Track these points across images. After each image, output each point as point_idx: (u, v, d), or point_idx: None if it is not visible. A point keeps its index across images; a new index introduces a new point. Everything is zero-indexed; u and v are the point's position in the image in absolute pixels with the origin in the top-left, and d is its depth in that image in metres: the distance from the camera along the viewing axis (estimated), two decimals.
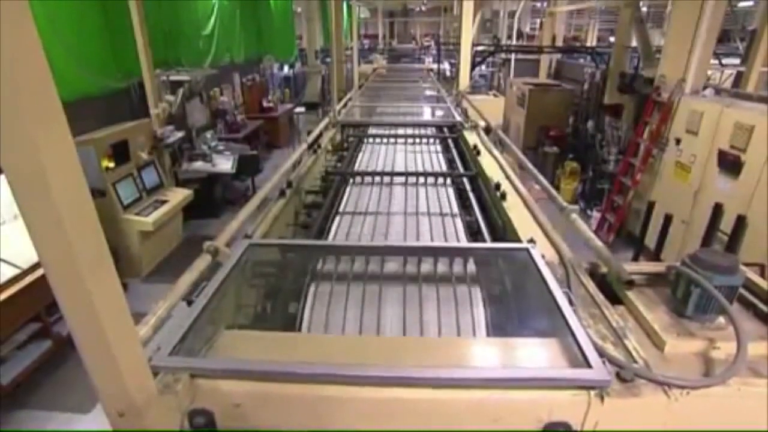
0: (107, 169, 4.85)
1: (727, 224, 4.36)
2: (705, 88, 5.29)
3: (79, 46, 5.08)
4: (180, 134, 6.24)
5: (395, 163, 2.94)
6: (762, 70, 6.27)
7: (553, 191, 1.96)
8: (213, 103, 8.68)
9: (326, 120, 3.62)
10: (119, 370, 0.84)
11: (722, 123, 4.48)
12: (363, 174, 2.50)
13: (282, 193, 2.13)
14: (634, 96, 6.76)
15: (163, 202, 5.50)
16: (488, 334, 1.30)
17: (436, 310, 1.35)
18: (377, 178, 2.47)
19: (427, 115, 4.25)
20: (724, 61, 9.40)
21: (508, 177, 2.37)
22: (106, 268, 0.80)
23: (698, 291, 1.22)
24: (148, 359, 0.99)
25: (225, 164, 6.91)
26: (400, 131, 3.67)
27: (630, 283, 1.33)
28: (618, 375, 1.03)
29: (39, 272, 3.60)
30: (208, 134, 7.47)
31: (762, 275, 3.93)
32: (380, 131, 3.69)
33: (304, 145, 2.83)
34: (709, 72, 6.42)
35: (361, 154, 3.02)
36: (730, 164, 4.33)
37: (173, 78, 6.20)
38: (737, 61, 9.02)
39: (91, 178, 4.68)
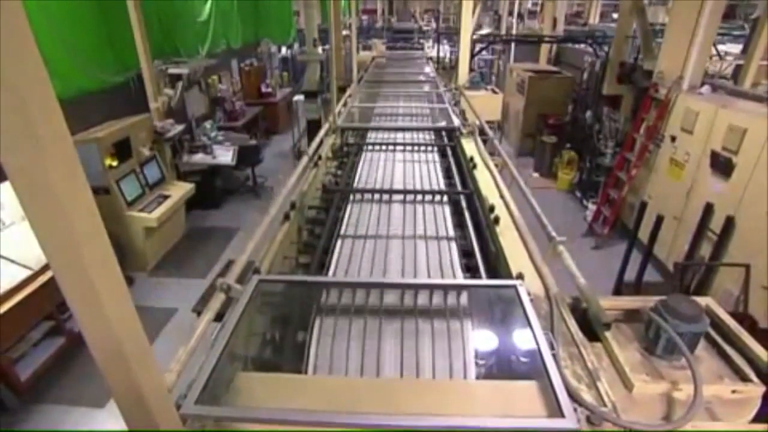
0: (110, 167, 4.92)
1: (717, 224, 4.49)
2: (702, 85, 5.32)
3: (75, 40, 5.05)
4: (180, 127, 6.28)
5: (394, 174, 3.04)
6: (762, 63, 6.26)
7: (544, 219, 2.06)
8: (212, 90, 8.65)
9: (326, 126, 3.68)
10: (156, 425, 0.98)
11: (716, 124, 4.54)
12: (362, 191, 2.60)
13: (286, 217, 2.24)
14: (633, 87, 6.78)
15: (166, 197, 5.60)
16: (477, 371, 1.44)
17: (431, 348, 1.49)
18: (376, 195, 2.58)
19: (425, 118, 4.31)
20: (727, 47, 9.35)
21: (502, 196, 2.47)
22: (110, 267, 0.80)
23: (666, 335, 1.35)
24: (177, 407, 1.13)
25: (225, 156, 6.97)
26: (399, 136, 3.75)
27: (607, 326, 1.46)
28: (588, 419, 1.17)
29: (50, 273, 3.75)
30: (208, 124, 7.50)
31: (747, 275, 4.10)
32: (379, 136, 3.77)
33: (305, 159, 2.91)
34: (710, 58, 6.39)
35: (360, 166, 3.11)
36: (722, 165, 4.42)
37: (172, 71, 6.18)
38: (738, 48, 8.97)
39: (94, 176, 4.82)
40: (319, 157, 3.06)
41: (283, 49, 13.57)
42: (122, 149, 5.13)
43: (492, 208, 2.29)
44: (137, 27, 5.53)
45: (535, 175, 8.79)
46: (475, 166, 2.92)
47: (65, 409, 3.67)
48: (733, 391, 1.29)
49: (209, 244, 6.21)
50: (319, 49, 8.89)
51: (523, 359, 1.41)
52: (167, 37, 6.97)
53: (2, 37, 0.57)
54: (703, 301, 1.61)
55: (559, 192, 8.17)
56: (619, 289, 5.26)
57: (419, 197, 2.55)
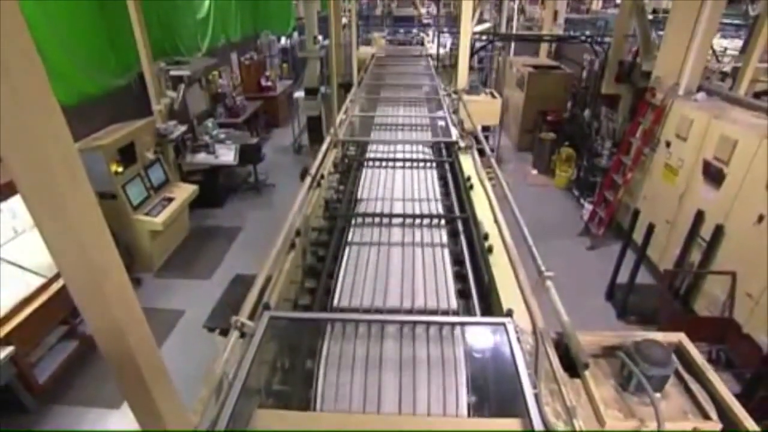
0: (116, 173, 5.02)
1: (707, 230, 4.63)
2: (699, 90, 5.39)
3: (76, 42, 5.08)
4: (183, 128, 6.35)
5: (394, 190, 3.16)
6: (759, 65, 6.30)
7: (534, 250, 2.20)
8: (212, 87, 8.68)
9: (328, 139, 3.78)
10: None
11: (709, 133, 4.64)
12: (363, 215, 2.74)
13: (292, 245, 2.38)
14: (631, 87, 6.83)
15: (170, 199, 5.72)
16: (469, 404, 1.60)
17: (427, 380, 1.65)
18: (377, 219, 2.71)
19: (425, 128, 4.41)
20: (727, 42, 9.35)
21: (497, 221, 2.60)
22: (117, 273, 0.82)
23: (637, 377, 1.51)
24: None
25: (227, 155, 7.06)
26: (399, 148, 3.86)
27: (586, 365, 1.61)
28: None
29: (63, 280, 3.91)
30: (209, 122, 7.55)
31: (734, 283, 4.26)
32: (380, 149, 3.88)
33: (308, 179, 3.03)
34: (708, 58, 6.40)
35: (360, 184, 3.22)
36: (714, 175, 4.54)
37: (173, 73, 6.22)
38: (739, 43, 8.97)
39: (101, 183, 4.93)
40: (322, 176, 3.18)
41: (283, 39, 13.48)
42: (127, 154, 5.23)
43: (486, 236, 2.42)
44: (138, 27, 5.54)
45: (534, 172, 8.89)
46: (471, 187, 3.04)
47: (81, 410, 3.87)
48: (694, 429, 1.45)
49: (213, 244, 6.36)
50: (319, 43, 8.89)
51: (508, 396, 1.56)
52: (167, 36, 7.00)
53: (1, 40, 0.57)
54: (675, 337, 1.77)
55: (557, 189, 8.28)
56: (612, 291, 5.44)
57: (417, 221, 2.68)
